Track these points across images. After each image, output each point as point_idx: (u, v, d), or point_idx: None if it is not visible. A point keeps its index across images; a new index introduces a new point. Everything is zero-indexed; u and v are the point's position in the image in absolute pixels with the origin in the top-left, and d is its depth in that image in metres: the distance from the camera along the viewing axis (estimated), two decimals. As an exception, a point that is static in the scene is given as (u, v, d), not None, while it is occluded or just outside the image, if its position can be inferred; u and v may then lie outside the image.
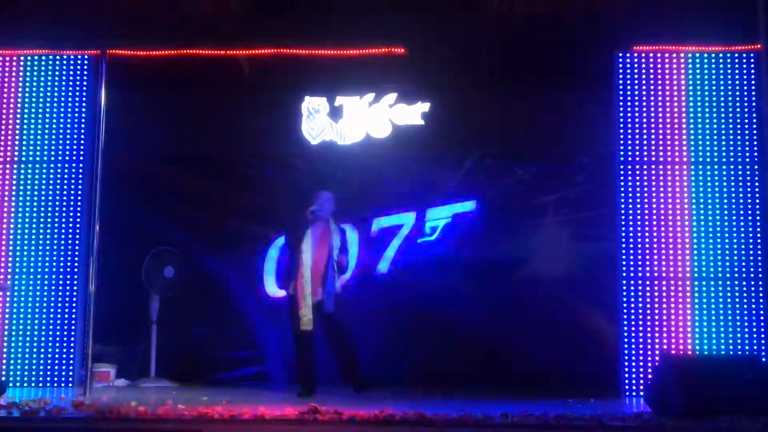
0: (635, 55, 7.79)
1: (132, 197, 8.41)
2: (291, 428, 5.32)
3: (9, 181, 7.95)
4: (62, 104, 8.03)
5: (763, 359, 7.31)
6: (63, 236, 7.88)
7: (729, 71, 7.74)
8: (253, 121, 8.59)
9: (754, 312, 7.45)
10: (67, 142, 7.99)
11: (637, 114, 7.74)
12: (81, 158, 7.95)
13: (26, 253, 7.86)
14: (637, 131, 7.72)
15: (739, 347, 7.40)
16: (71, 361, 7.75)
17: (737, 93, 7.71)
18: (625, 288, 7.56)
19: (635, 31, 7.74)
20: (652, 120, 7.73)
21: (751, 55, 7.67)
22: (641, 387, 7.27)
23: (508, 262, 8.43)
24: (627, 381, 7.46)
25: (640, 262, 7.57)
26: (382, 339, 8.17)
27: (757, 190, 7.59)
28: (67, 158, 7.97)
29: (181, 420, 5.42)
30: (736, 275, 7.51)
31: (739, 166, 7.64)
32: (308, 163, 8.68)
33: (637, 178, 7.67)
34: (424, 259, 8.52)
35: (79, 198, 7.91)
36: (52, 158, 7.97)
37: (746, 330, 7.43)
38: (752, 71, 7.69)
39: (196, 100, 8.69)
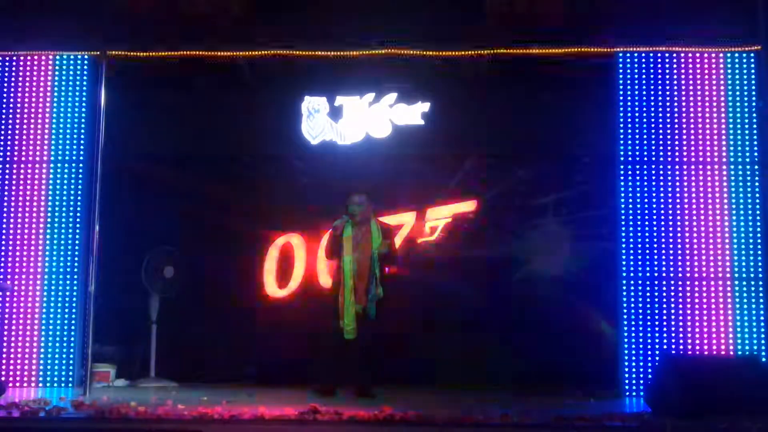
0: (635, 55, 7.80)
1: (132, 197, 8.40)
2: (291, 428, 5.32)
3: (9, 181, 7.95)
4: (62, 104, 8.02)
5: (763, 359, 7.32)
6: (63, 236, 7.87)
7: (729, 71, 7.74)
8: (253, 121, 8.61)
9: (754, 312, 7.46)
10: (67, 142, 7.98)
11: (637, 114, 7.74)
12: (81, 158, 7.93)
13: (26, 253, 7.86)
14: (637, 131, 7.73)
15: (739, 347, 7.42)
16: (71, 361, 7.74)
17: (737, 93, 7.71)
18: (625, 288, 7.57)
19: (635, 31, 7.74)
20: (652, 120, 7.73)
21: (751, 55, 7.67)
22: (641, 387, 7.27)
23: (508, 262, 8.44)
24: (627, 381, 7.47)
25: (640, 262, 7.58)
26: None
27: (757, 190, 7.59)
28: (67, 158, 7.96)
29: (181, 420, 5.42)
30: (736, 275, 7.52)
31: (739, 166, 7.64)
32: (308, 163, 8.68)
33: (637, 178, 7.68)
34: (424, 259, 8.52)
35: (79, 198, 7.91)
36: (52, 158, 7.97)
37: (746, 330, 7.44)
38: (752, 71, 7.69)
39: (196, 100, 8.69)
